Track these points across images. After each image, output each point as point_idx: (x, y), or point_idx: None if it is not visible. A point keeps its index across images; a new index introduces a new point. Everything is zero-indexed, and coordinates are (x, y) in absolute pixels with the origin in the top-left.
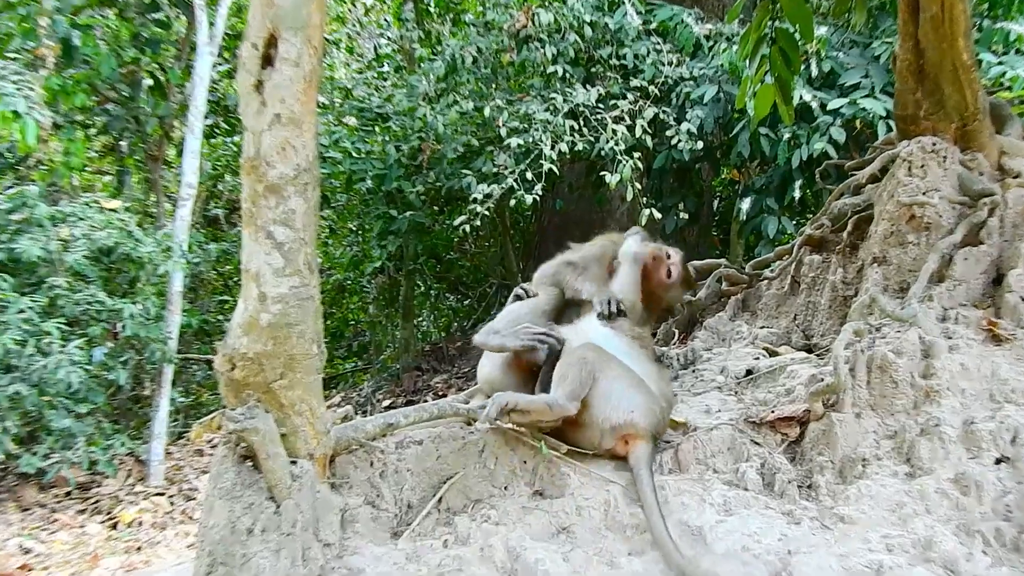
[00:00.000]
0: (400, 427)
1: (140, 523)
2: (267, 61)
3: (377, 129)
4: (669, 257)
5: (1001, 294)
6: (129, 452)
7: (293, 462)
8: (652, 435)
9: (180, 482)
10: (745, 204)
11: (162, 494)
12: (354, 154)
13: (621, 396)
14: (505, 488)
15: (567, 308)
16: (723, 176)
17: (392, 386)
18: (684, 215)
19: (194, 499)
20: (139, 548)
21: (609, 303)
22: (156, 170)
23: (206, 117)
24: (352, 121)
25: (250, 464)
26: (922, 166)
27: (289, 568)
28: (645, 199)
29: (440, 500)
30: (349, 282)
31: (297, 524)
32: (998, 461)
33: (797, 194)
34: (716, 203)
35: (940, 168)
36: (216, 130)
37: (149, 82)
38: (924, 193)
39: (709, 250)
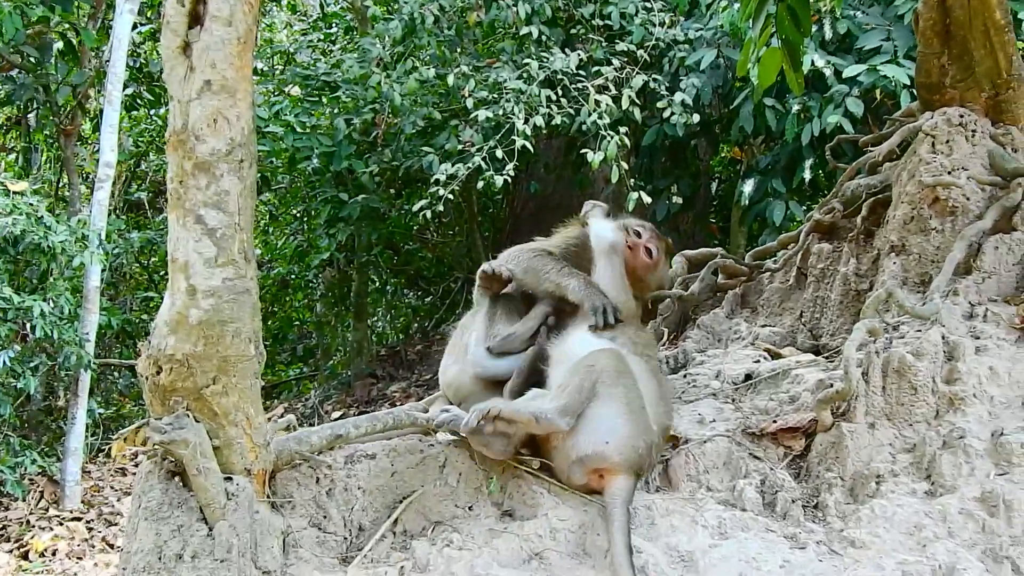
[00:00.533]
0: (350, 439)
1: (54, 552)
2: (195, 20)
3: (324, 100)
4: (639, 235)
5: None
6: (41, 471)
7: (228, 479)
8: (632, 471)
9: (99, 505)
10: (748, 187)
11: (79, 519)
12: (298, 129)
13: (601, 421)
14: (470, 508)
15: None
16: (722, 154)
17: (342, 395)
18: (677, 199)
19: (116, 524)
20: None
21: (604, 311)
22: (69, 147)
23: (126, 86)
24: (295, 91)
25: (179, 481)
26: (947, 141)
27: None
28: (633, 181)
29: (395, 522)
30: (293, 276)
31: (233, 549)
32: None
33: (807, 175)
34: (714, 185)
35: (968, 143)
36: (138, 101)
37: (60, 45)
38: (950, 172)
39: (707, 239)
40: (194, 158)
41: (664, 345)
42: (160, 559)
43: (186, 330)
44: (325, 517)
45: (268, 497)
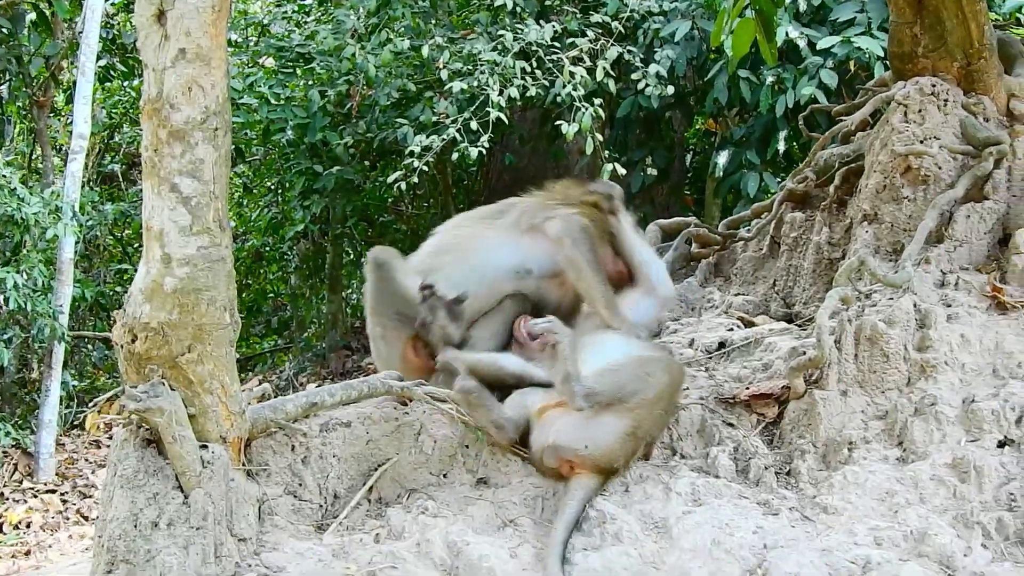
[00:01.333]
0: (325, 407)
1: (28, 524)
2: None
3: (298, 72)
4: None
5: (1007, 256)
6: (15, 443)
7: (203, 446)
8: (603, 472)
9: (74, 477)
10: (722, 158)
11: (53, 491)
12: (272, 101)
13: (598, 427)
14: (444, 476)
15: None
16: (697, 126)
17: (317, 367)
18: (652, 171)
19: (90, 497)
20: (27, 552)
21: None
22: (42, 119)
23: (99, 57)
24: (269, 62)
25: (154, 449)
26: (920, 111)
27: (199, 566)
28: (607, 152)
29: (371, 489)
30: (267, 249)
31: (208, 516)
32: (1001, 444)
33: (782, 147)
34: (689, 157)
35: (940, 113)
36: (111, 72)
37: (32, 16)
38: (922, 141)
39: (681, 211)
40: (169, 126)
41: None
42: (136, 527)
43: (161, 298)
44: (300, 485)
45: (243, 465)
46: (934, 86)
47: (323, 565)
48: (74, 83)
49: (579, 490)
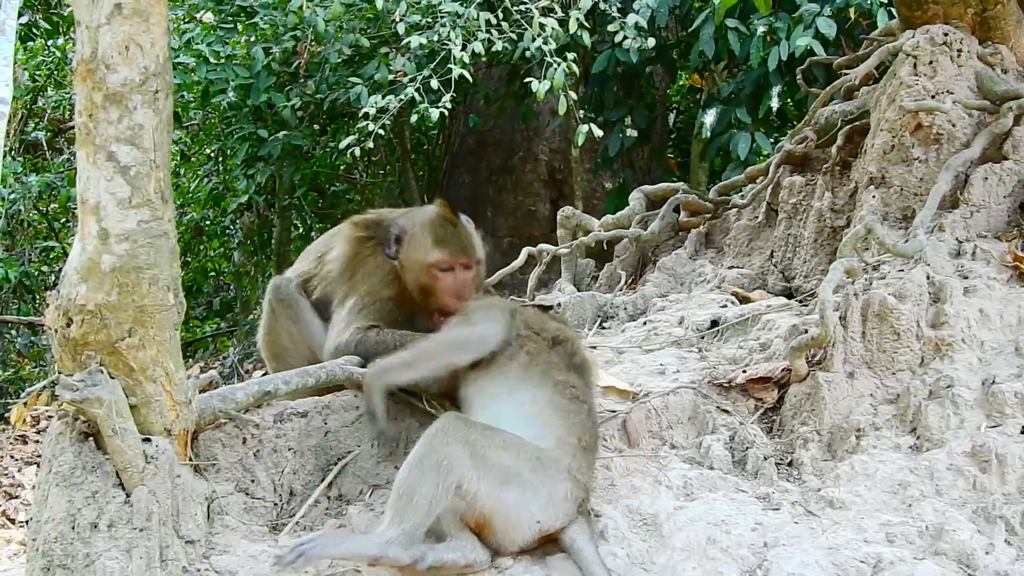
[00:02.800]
0: (279, 395)
1: None
2: None
3: (240, 27)
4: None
5: None
6: None
7: (146, 440)
8: (579, 512)
9: None
10: (709, 117)
11: None
12: (211, 59)
13: (519, 507)
14: None
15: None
16: (681, 83)
17: None
18: (632, 132)
19: (17, 498)
20: None
21: None
22: None
23: (21, 14)
24: (208, 17)
25: (93, 443)
26: (931, 62)
27: (143, 571)
28: (582, 112)
29: (330, 485)
30: (208, 223)
31: (152, 517)
32: None
33: (775, 104)
34: (672, 117)
35: (953, 64)
36: (34, 30)
37: None
38: (933, 96)
39: (664, 176)
40: (104, 89)
41: (621, 290)
42: (73, 528)
43: (98, 278)
44: (253, 481)
45: (190, 460)
46: (946, 35)
47: (277, 570)
48: None
49: (577, 539)
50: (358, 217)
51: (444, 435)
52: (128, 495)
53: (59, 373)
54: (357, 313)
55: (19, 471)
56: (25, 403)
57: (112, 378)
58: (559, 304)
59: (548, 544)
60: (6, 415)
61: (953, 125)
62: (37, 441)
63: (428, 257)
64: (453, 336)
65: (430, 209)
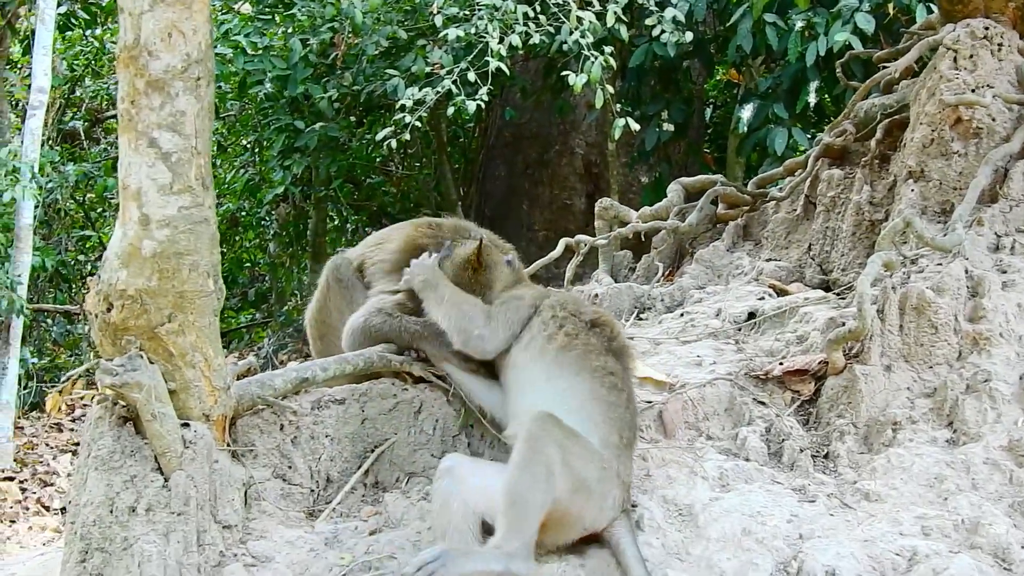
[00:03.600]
0: (317, 382)
1: None
2: None
3: (278, 18)
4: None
5: None
6: None
7: (185, 425)
8: (621, 511)
9: (33, 464)
10: (746, 112)
11: (11, 479)
12: (249, 51)
13: (581, 513)
14: None
15: None
16: (718, 77)
17: (299, 344)
18: (668, 126)
19: (52, 485)
20: None
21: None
22: None
23: (59, 3)
24: (246, 8)
25: (132, 427)
26: (971, 56)
27: (181, 555)
28: (619, 106)
29: (366, 472)
30: (244, 213)
31: (190, 501)
32: None
33: (812, 99)
34: (709, 111)
35: (994, 58)
36: (73, 20)
37: None
38: (973, 90)
39: (701, 170)
40: (147, 76)
41: (659, 281)
42: (112, 512)
43: (139, 263)
44: (290, 467)
45: (228, 445)
46: (987, 28)
47: (314, 555)
48: (32, 32)
49: (618, 535)
50: (423, 220)
51: (546, 436)
52: (166, 479)
53: (99, 358)
54: (386, 300)
55: (54, 459)
56: (60, 391)
57: (151, 363)
58: (596, 295)
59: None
60: (42, 403)
61: (993, 119)
62: (72, 429)
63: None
64: (468, 319)
65: (472, 246)
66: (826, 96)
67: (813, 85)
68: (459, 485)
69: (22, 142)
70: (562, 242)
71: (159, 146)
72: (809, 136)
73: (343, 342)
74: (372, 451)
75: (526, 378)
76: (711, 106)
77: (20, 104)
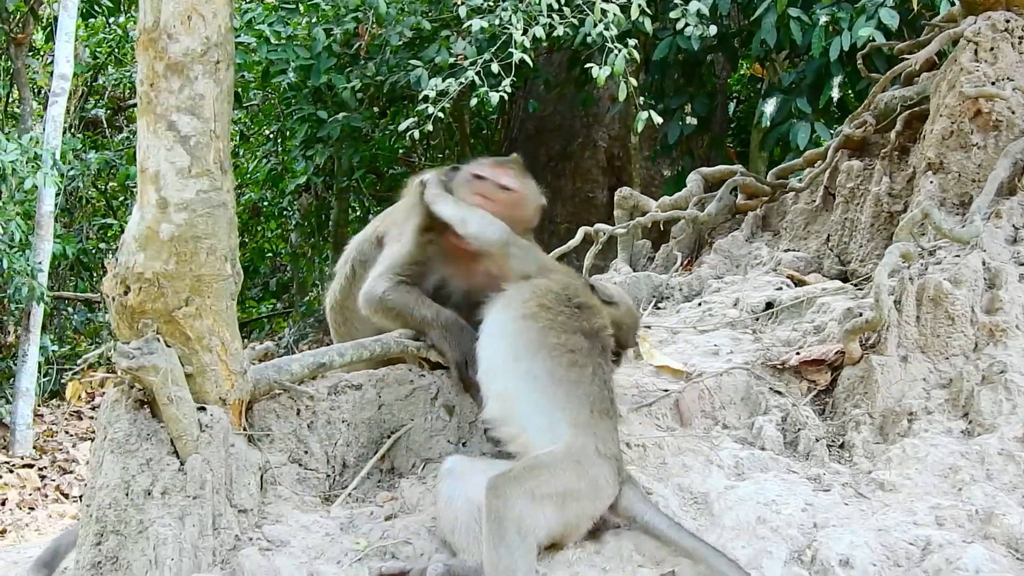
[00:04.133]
0: (334, 367)
1: (3, 502)
2: None
3: (302, 8)
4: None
5: None
6: None
7: (201, 409)
8: (622, 481)
9: (53, 451)
10: (769, 106)
11: (31, 466)
12: (272, 40)
13: (579, 513)
14: (463, 444)
15: None
16: (742, 71)
17: (319, 334)
18: (691, 120)
19: (71, 472)
20: (3, 531)
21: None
22: (20, 58)
23: None
24: None
25: (148, 411)
26: (992, 48)
27: (196, 538)
28: (642, 99)
29: (382, 458)
30: (266, 203)
31: (206, 485)
32: None
33: (836, 94)
34: (732, 105)
35: (1014, 51)
36: (96, 7)
37: None
38: (993, 83)
39: (723, 164)
40: (166, 59)
41: (677, 270)
42: (127, 495)
43: (157, 246)
44: (306, 452)
45: (244, 429)
46: (1008, 21)
47: (330, 539)
48: (55, 19)
49: (631, 502)
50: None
51: (503, 498)
52: (182, 463)
53: (116, 341)
54: (396, 259)
55: (73, 446)
56: (80, 378)
57: (168, 346)
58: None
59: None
60: (62, 391)
61: (1012, 112)
62: (91, 417)
63: (472, 169)
64: (479, 214)
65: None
66: (849, 91)
67: (836, 80)
68: (461, 482)
69: (44, 129)
70: (581, 231)
71: (178, 129)
72: (832, 131)
73: (361, 309)
74: (388, 437)
75: (493, 349)
76: (734, 100)
77: (42, 91)
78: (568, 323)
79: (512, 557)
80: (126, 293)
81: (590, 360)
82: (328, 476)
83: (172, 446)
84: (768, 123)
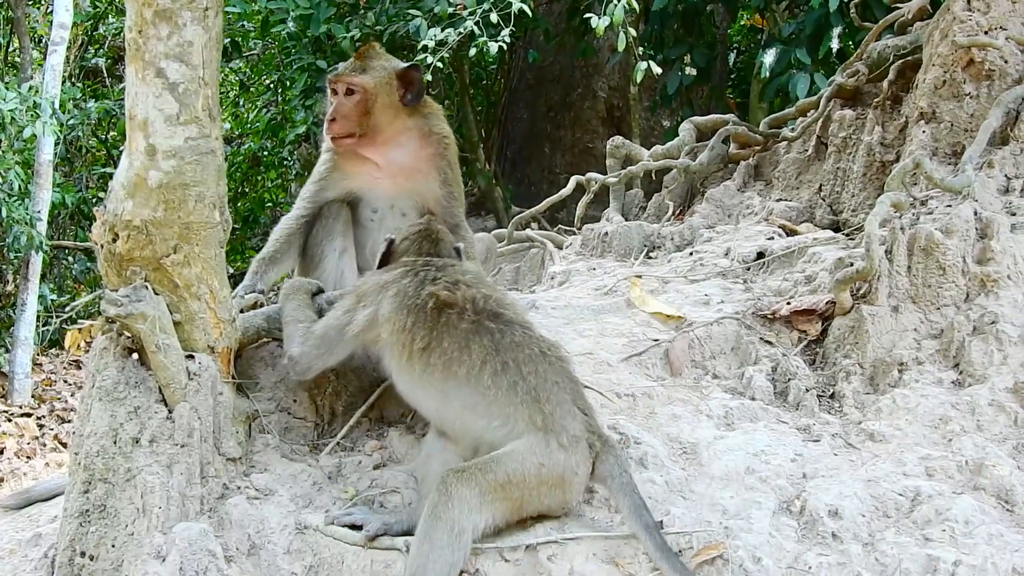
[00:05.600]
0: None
1: (2, 451)
2: None
3: None
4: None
5: None
6: None
7: (189, 356)
8: (601, 445)
9: (51, 400)
10: (769, 57)
11: (29, 415)
12: None
13: (551, 505)
14: None
15: None
16: (741, 22)
17: None
18: (691, 71)
19: (69, 422)
20: (0, 480)
21: None
22: (20, 7)
23: None
24: None
25: (136, 359)
26: None
27: (184, 486)
28: (641, 50)
29: (371, 407)
30: (265, 153)
31: (194, 433)
32: None
33: (835, 44)
34: (732, 56)
35: (1007, 1)
36: None
37: None
38: (986, 32)
39: (723, 114)
40: (154, 5)
41: (669, 220)
42: (115, 443)
43: (145, 194)
44: (294, 401)
45: (233, 378)
46: None
47: (317, 488)
48: None
49: (609, 474)
50: None
51: (447, 496)
52: (170, 411)
53: (104, 289)
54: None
55: (72, 395)
56: (79, 329)
57: (156, 294)
58: (606, 233)
59: None
60: (61, 340)
61: (1005, 61)
62: None
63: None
64: (288, 339)
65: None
66: (849, 42)
67: (836, 31)
68: (440, 443)
69: (43, 78)
70: (572, 179)
71: (166, 76)
72: (831, 81)
73: None
74: (377, 386)
75: (427, 409)
76: (734, 51)
77: (42, 40)
78: (456, 333)
79: (432, 554)
80: (114, 241)
81: (508, 355)
82: (316, 425)
83: (160, 394)
84: (768, 74)
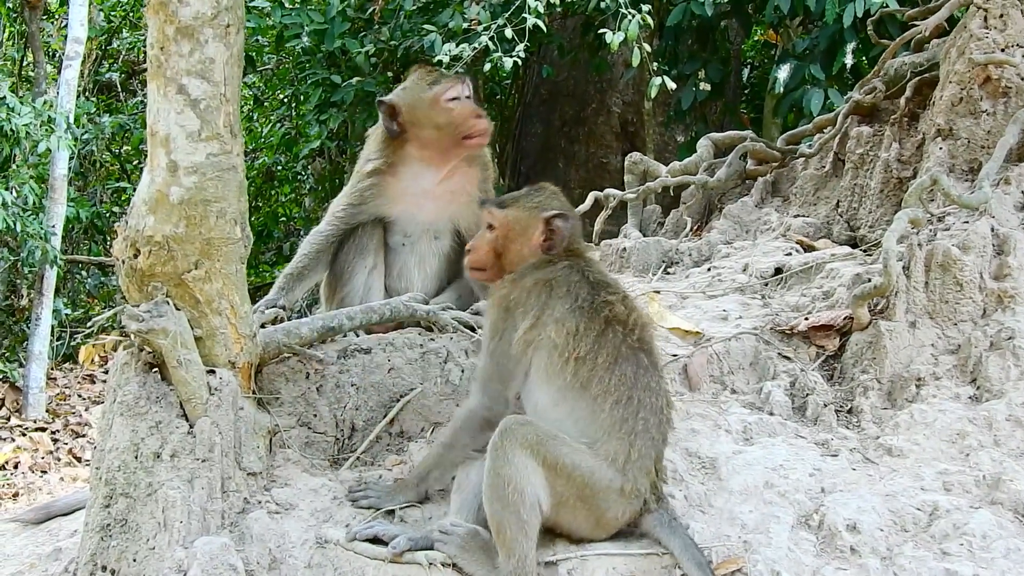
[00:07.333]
0: (343, 331)
1: (16, 465)
2: None
3: None
4: None
5: None
6: (2, 376)
7: (210, 372)
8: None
9: (66, 415)
10: (783, 73)
11: (43, 429)
12: (287, 4)
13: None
14: None
15: None
16: (755, 37)
17: None
18: (705, 86)
19: (83, 436)
20: (15, 495)
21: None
22: (34, 21)
23: None
24: None
25: (157, 374)
26: (1001, 15)
27: (205, 501)
28: (656, 65)
29: (391, 422)
30: (279, 167)
31: (215, 448)
32: None
33: (849, 60)
34: (746, 72)
35: None
36: None
37: None
38: (1003, 49)
39: (737, 130)
40: (176, 22)
41: (687, 236)
42: (136, 458)
43: (166, 209)
44: (315, 415)
45: (254, 393)
46: None
47: (338, 503)
48: None
49: (656, 525)
50: None
51: (506, 449)
52: (191, 426)
53: (125, 304)
54: (341, 199)
55: (86, 410)
56: (93, 344)
57: (178, 309)
58: (624, 249)
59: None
60: (75, 354)
61: (1022, 78)
62: (104, 381)
63: (431, 93)
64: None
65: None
66: (863, 58)
67: (850, 46)
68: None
69: (58, 93)
70: (591, 195)
71: (188, 93)
72: (845, 98)
73: None
74: (397, 400)
75: (537, 399)
76: (748, 66)
77: (57, 55)
78: (612, 352)
79: (505, 511)
80: (136, 256)
81: (636, 393)
82: (337, 440)
83: (181, 409)
84: (781, 89)
